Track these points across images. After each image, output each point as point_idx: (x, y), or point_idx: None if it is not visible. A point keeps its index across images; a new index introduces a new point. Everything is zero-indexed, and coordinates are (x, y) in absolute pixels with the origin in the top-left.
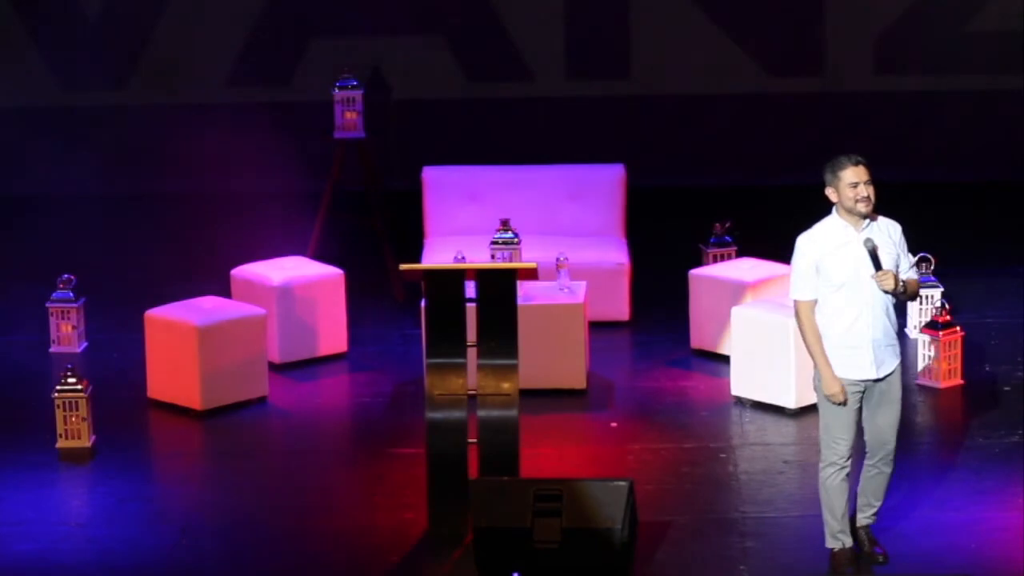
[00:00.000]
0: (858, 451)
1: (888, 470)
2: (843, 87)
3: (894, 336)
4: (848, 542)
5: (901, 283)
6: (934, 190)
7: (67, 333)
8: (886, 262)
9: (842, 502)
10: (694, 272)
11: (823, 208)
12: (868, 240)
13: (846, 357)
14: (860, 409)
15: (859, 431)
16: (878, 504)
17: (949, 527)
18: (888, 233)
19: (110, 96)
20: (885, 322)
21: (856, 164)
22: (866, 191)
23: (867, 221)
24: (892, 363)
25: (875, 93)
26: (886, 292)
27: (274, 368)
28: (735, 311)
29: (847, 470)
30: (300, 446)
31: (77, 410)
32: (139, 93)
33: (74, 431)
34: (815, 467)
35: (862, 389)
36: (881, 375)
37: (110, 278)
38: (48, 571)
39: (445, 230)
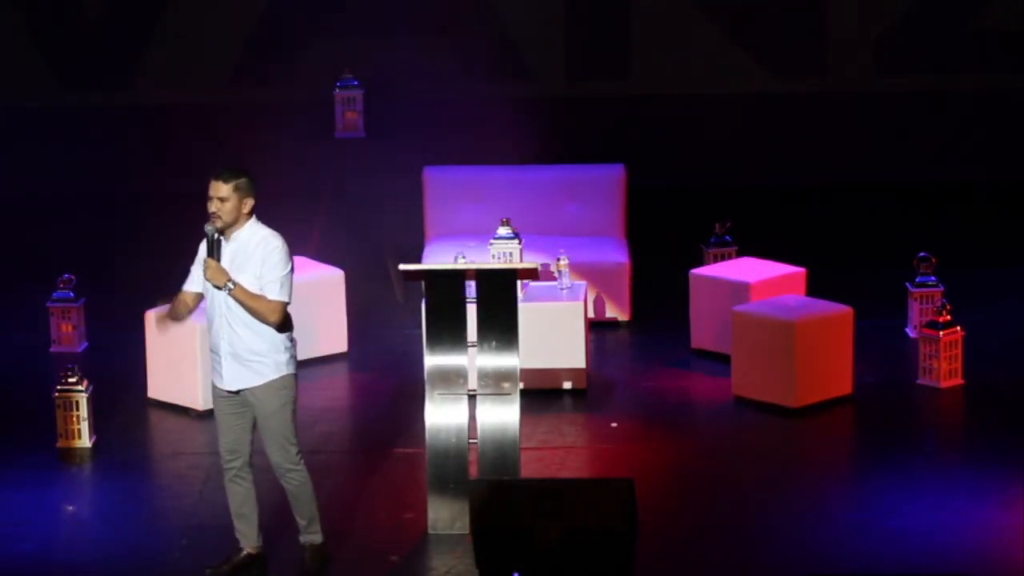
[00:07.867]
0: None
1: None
2: (843, 87)
3: (254, 352)
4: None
5: (230, 284)
6: (934, 190)
7: (67, 333)
8: (243, 277)
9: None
10: (694, 272)
11: (823, 208)
12: (211, 227)
13: (214, 363)
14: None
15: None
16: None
17: (949, 527)
18: (259, 246)
19: (110, 96)
20: (233, 333)
21: (215, 177)
22: (212, 207)
23: (241, 231)
24: (248, 379)
25: (875, 93)
26: (216, 287)
27: None
28: (735, 311)
29: (231, 473)
30: (300, 446)
31: (77, 410)
32: (139, 93)
33: (74, 431)
34: (815, 467)
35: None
36: (231, 388)
37: (110, 278)
38: (48, 571)
39: (446, 230)
